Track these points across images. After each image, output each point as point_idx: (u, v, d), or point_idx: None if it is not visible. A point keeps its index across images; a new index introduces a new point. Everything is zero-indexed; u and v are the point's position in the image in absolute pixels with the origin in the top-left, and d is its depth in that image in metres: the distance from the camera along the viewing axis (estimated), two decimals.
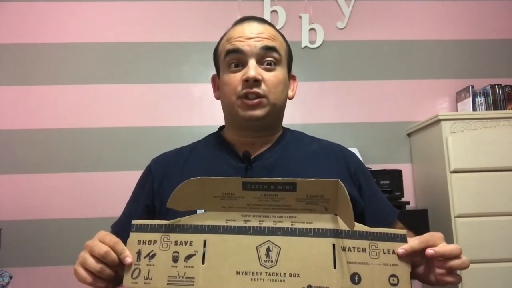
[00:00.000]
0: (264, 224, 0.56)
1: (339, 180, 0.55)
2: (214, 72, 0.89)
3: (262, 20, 0.83)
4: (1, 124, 1.97)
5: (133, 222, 0.59)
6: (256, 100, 0.77)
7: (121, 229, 0.83)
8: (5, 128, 1.96)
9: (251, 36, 0.78)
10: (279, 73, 0.80)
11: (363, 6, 2.14)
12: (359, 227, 0.56)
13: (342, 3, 2.13)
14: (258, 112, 0.77)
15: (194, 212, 0.60)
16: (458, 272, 0.58)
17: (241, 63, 0.78)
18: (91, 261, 0.57)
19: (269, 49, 0.78)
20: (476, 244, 1.55)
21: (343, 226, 0.55)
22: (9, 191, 1.91)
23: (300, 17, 2.11)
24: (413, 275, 0.58)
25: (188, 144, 0.90)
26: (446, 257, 0.56)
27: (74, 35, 2.05)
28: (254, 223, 0.57)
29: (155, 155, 0.89)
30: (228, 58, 0.79)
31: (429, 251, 0.55)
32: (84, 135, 1.98)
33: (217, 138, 0.88)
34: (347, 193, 0.53)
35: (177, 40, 2.08)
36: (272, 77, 0.78)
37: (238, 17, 0.86)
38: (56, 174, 1.94)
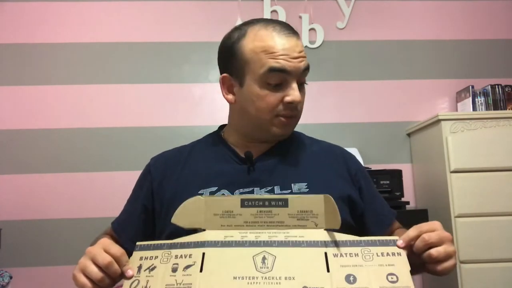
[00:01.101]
0: (260, 238, 0.60)
1: (327, 195, 0.59)
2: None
3: (295, 33, 0.78)
4: (1, 124, 1.97)
5: (138, 243, 0.62)
6: (291, 119, 0.78)
7: (121, 227, 0.84)
8: (5, 128, 1.96)
9: (295, 56, 0.74)
10: (305, 91, 0.81)
11: (363, 6, 2.14)
12: (349, 237, 0.59)
13: (342, 3, 2.13)
14: (289, 130, 0.80)
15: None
16: (458, 269, 0.58)
17: (281, 81, 0.75)
18: (93, 269, 0.57)
19: (306, 69, 0.77)
20: (476, 244, 1.54)
21: (333, 239, 0.59)
22: (9, 191, 1.91)
23: (300, 17, 2.11)
24: (414, 270, 0.57)
25: (187, 144, 0.90)
26: (420, 246, 0.57)
27: (74, 35, 2.05)
28: (250, 238, 0.60)
29: (154, 155, 0.89)
30: (270, 75, 0.73)
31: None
32: (84, 135, 1.98)
33: (217, 139, 0.87)
34: (336, 205, 0.56)
35: (177, 40, 2.08)
36: (303, 97, 0.79)
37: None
38: (56, 174, 1.94)
